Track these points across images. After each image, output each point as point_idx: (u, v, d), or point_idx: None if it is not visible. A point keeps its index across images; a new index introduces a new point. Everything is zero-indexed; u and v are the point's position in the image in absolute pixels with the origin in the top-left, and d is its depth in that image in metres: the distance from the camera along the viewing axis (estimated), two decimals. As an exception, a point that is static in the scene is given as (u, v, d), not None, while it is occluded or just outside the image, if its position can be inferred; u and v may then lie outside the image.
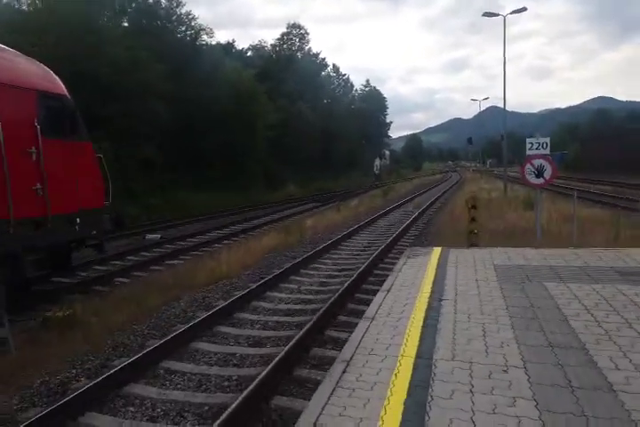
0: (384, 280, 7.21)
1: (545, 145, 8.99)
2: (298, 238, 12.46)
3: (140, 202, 20.76)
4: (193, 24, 30.13)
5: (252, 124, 31.14)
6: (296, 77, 45.01)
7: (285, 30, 53.91)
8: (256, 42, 49.71)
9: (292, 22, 55.21)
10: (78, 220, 7.15)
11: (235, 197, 27.50)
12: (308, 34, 54.77)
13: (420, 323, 4.22)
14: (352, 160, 57.50)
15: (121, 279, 8.67)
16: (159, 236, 13.88)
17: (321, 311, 5.84)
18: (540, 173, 8.69)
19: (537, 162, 8.67)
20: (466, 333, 3.97)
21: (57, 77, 7.35)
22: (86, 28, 20.71)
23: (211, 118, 28.27)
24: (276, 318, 6.09)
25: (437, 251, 7.93)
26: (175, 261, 10.30)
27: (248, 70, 33.19)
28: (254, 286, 7.28)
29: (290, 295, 7.19)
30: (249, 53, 47.71)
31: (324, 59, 58.97)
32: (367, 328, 4.23)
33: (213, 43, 32.33)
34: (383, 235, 12.90)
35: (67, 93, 7.31)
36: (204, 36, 31.08)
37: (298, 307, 6.58)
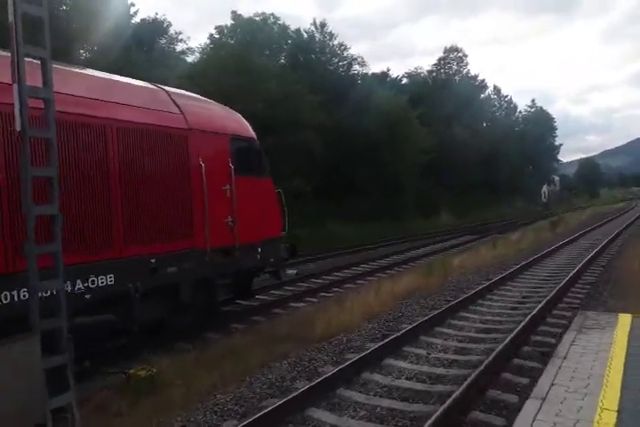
0: (544, 357, 5.43)
1: None
2: (441, 282, 10.80)
3: (290, 233, 20.69)
4: (345, 55, 30.42)
5: (404, 150, 30.04)
6: (452, 100, 42.99)
7: (443, 55, 52.44)
8: (412, 69, 48.67)
9: (450, 46, 53.30)
10: (260, 249, 7.77)
11: (385, 228, 26.40)
12: (466, 56, 52.59)
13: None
14: (516, 187, 52.82)
15: (237, 325, 8.02)
16: (295, 271, 13.27)
17: (449, 402, 4.32)
18: None
19: None
20: None
21: (246, 122, 8.13)
22: (241, 69, 21.82)
23: (362, 146, 27.86)
24: (387, 404, 4.69)
25: (626, 321, 5.71)
26: (300, 304, 9.45)
27: (400, 96, 32.37)
28: (372, 349, 5.98)
29: (414, 366, 5.71)
30: (404, 81, 47.04)
31: (483, 80, 55.83)
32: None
33: (367, 72, 32.24)
34: (547, 282, 10.59)
35: (254, 135, 8.05)
36: (357, 66, 31.17)
37: (420, 387, 5.09)
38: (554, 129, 66.15)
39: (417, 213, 33.04)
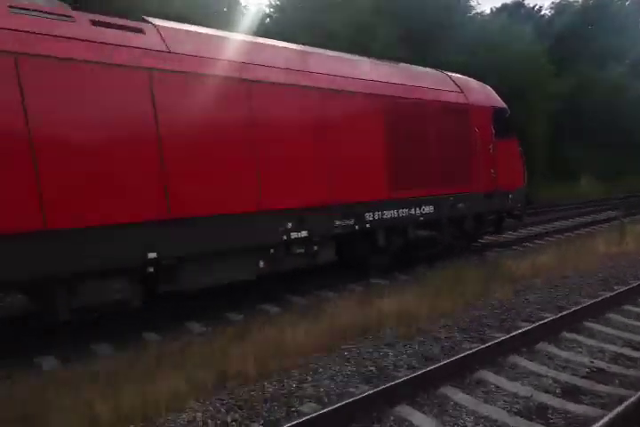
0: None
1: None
2: (467, 304, 6.20)
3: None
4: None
5: (528, 95, 22.96)
6: (606, 32, 33.69)
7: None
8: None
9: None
10: (510, 195, 9.79)
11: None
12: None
13: None
14: None
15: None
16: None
17: None
18: None
19: None
20: None
21: (497, 95, 9.92)
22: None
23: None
24: None
25: None
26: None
27: (518, 28, 25.08)
28: None
29: None
30: (547, 13, 37.61)
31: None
32: None
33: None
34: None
35: (505, 106, 9.81)
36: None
37: None
38: None
39: (549, 177, 25.71)
